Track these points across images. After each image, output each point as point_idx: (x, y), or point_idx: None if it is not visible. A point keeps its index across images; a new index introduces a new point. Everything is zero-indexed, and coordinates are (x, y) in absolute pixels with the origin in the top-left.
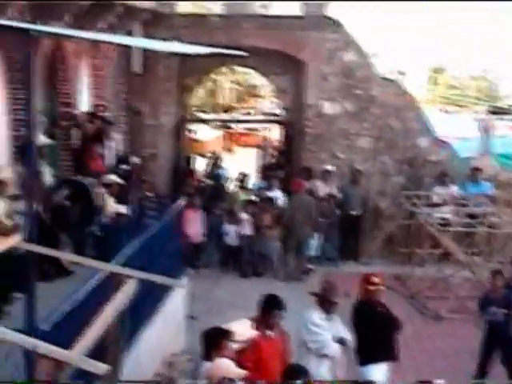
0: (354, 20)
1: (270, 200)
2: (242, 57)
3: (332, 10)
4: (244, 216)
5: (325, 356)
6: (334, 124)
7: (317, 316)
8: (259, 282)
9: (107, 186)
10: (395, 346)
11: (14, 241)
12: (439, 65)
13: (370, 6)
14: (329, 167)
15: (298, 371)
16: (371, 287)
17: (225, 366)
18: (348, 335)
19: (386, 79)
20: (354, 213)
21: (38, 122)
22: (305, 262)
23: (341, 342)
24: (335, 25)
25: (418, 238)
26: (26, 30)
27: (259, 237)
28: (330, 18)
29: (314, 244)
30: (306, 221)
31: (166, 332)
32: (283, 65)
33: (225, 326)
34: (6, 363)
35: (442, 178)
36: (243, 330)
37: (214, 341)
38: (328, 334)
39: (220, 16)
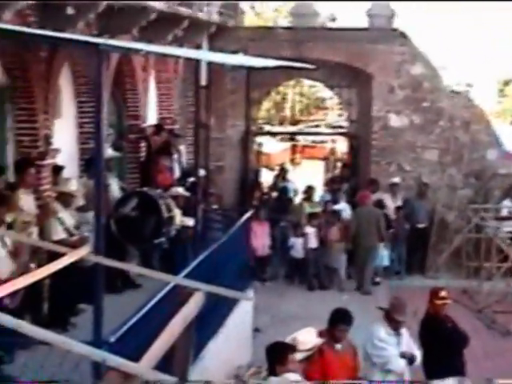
0: (421, 33)
1: (336, 213)
2: (308, 69)
3: (399, 23)
4: (310, 229)
5: (389, 372)
6: (400, 136)
7: (383, 331)
8: (325, 294)
9: (174, 198)
10: (463, 360)
11: (82, 253)
12: (508, 77)
13: (438, 17)
14: (395, 180)
15: None
16: (439, 301)
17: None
18: (416, 351)
19: (454, 91)
20: (420, 226)
21: (105, 135)
22: (372, 275)
23: (408, 357)
24: (402, 37)
25: (486, 252)
26: (96, 45)
27: (325, 250)
28: (396, 31)
29: (382, 256)
30: (373, 232)
31: (232, 345)
32: (350, 77)
33: (290, 336)
34: (75, 374)
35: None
36: (309, 338)
37: (279, 355)
38: (394, 349)
39: (287, 29)
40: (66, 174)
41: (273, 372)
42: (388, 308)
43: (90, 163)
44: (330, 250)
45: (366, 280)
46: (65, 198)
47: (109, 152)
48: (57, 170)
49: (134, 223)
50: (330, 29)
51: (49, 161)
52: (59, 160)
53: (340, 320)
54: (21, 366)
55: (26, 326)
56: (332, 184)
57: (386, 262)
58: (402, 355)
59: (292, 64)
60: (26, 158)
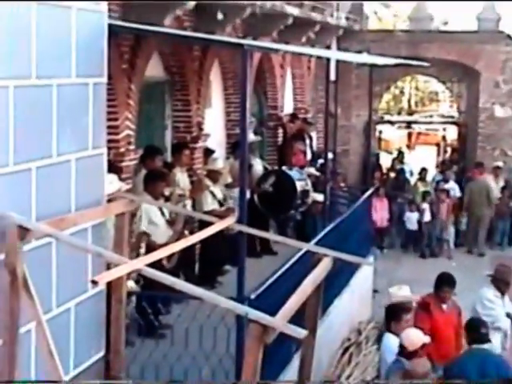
0: None
1: (446, 191)
2: (423, 67)
3: (505, 25)
4: (424, 205)
5: (497, 329)
6: (504, 125)
7: (491, 293)
8: (435, 262)
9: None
10: None
11: (228, 222)
12: None
13: None
14: (499, 163)
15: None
16: None
17: (419, 336)
18: None
19: None
20: None
21: (249, 122)
22: (484, 241)
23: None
24: (508, 38)
25: None
26: (241, 45)
27: (436, 223)
28: (503, 33)
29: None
30: (484, 203)
31: (355, 303)
32: (460, 73)
33: (391, 291)
34: (221, 325)
35: None
36: (404, 293)
37: (395, 315)
38: (500, 309)
39: (405, 31)
40: (215, 155)
41: (389, 328)
42: (495, 273)
43: (236, 146)
44: (440, 223)
45: (480, 243)
46: (213, 175)
47: (251, 137)
48: (208, 152)
49: (272, 197)
50: (443, 31)
51: (200, 144)
52: (209, 143)
53: (445, 283)
54: (175, 317)
55: (180, 283)
56: (443, 166)
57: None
58: (508, 315)
59: (409, 62)
60: (181, 142)
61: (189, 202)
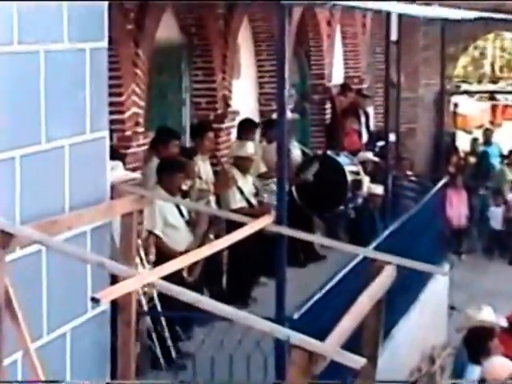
0: None
1: None
2: (511, 21)
3: None
4: None
5: None
6: None
7: None
8: None
9: (361, 164)
10: None
11: (264, 222)
12: None
13: None
14: None
15: None
16: None
17: (505, 367)
18: None
19: None
20: None
21: (287, 95)
22: None
23: None
24: None
25: None
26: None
27: None
28: None
29: None
30: None
31: (426, 323)
32: None
33: (468, 313)
34: (255, 352)
35: None
36: (485, 316)
37: (481, 343)
38: None
39: None
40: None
41: (471, 357)
42: None
43: (270, 126)
44: None
45: None
46: (242, 164)
47: (290, 114)
48: (247, 125)
49: (316, 189)
50: None
51: (227, 124)
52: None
53: None
54: (198, 344)
55: (204, 301)
56: None
57: None
58: None
59: (493, 15)
60: (203, 122)
61: (213, 198)
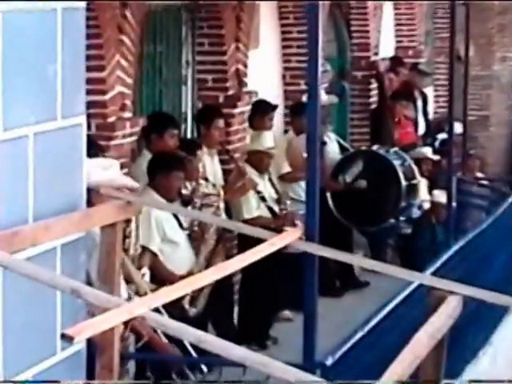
0: None
1: None
2: None
3: None
4: None
5: None
6: None
7: None
8: None
9: (417, 162)
10: None
11: (288, 238)
12: None
13: None
14: None
15: None
16: None
17: None
18: None
19: None
20: None
21: (321, 71)
22: None
23: None
24: None
25: None
26: None
27: None
28: None
29: None
30: None
31: (501, 369)
32: None
33: None
34: None
35: None
36: None
37: None
38: None
39: None
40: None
41: None
42: None
43: (298, 112)
44: None
45: None
46: (257, 160)
47: (324, 97)
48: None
49: (359, 197)
50: None
51: (242, 108)
52: None
53: None
54: None
55: (210, 340)
56: None
57: None
58: None
59: None
60: (210, 106)
61: (222, 206)
